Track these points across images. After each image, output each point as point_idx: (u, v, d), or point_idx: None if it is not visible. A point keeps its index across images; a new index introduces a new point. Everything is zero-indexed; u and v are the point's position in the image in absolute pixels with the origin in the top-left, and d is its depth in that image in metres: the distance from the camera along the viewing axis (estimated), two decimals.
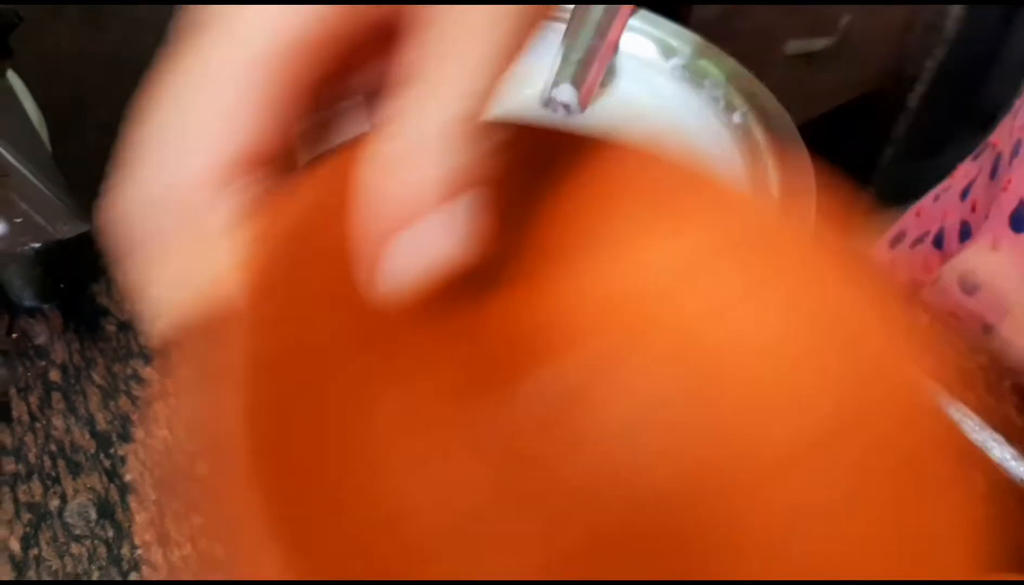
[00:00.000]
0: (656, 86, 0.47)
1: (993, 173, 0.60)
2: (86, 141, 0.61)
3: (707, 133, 0.45)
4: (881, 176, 1.56)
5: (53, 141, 0.53)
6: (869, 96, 1.48)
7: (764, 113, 0.43)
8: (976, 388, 0.50)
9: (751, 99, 0.44)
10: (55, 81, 0.64)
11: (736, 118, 0.44)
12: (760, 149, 0.42)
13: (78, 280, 0.52)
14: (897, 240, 0.71)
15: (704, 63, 0.45)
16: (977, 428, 0.49)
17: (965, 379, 0.51)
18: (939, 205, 0.69)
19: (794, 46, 1.27)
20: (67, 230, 0.47)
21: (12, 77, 0.55)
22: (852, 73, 1.41)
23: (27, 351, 0.49)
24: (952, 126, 1.59)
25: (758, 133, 0.43)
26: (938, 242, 0.66)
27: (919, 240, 0.69)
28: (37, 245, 0.47)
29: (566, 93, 0.39)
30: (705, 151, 0.45)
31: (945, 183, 0.71)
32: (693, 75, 0.46)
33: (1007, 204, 0.56)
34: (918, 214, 0.72)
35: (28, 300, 0.50)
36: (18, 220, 0.46)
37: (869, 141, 1.54)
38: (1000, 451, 0.48)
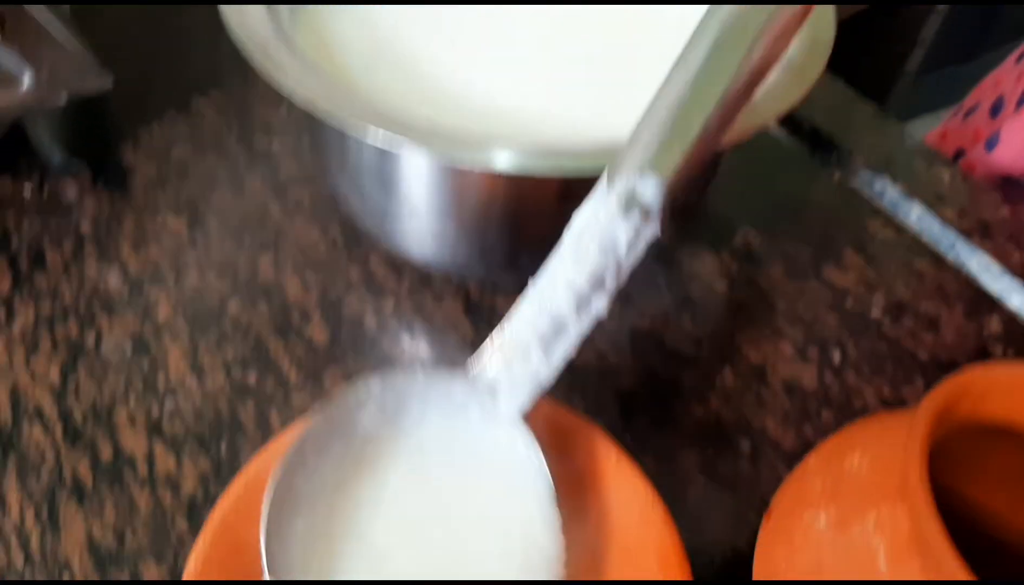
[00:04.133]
0: None
1: None
2: (103, 9, 0.61)
3: None
4: (910, 82, 1.53)
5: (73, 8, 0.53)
6: None
7: None
8: (998, 238, 0.50)
9: None
10: None
11: None
12: None
13: (105, 140, 0.53)
14: (970, 111, 0.70)
15: None
16: (997, 276, 0.49)
17: (987, 229, 0.51)
18: (1020, 66, 0.67)
19: None
20: (93, 85, 0.48)
21: None
22: None
23: (58, 207, 0.50)
24: (983, 29, 1.55)
25: None
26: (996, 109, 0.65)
27: (973, 109, 0.67)
28: (64, 99, 0.48)
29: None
30: None
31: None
32: None
33: None
34: (997, 83, 0.70)
35: (57, 158, 0.51)
36: (45, 74, 0.47)
37: (898, 45, 1.50)
38: (1019, 298, 0.48)
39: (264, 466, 0.34)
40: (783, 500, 0.32)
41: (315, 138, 0.44)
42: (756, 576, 0.31)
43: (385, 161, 0.38)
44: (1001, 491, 0.34)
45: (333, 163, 0.43)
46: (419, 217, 0.39)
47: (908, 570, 0.26)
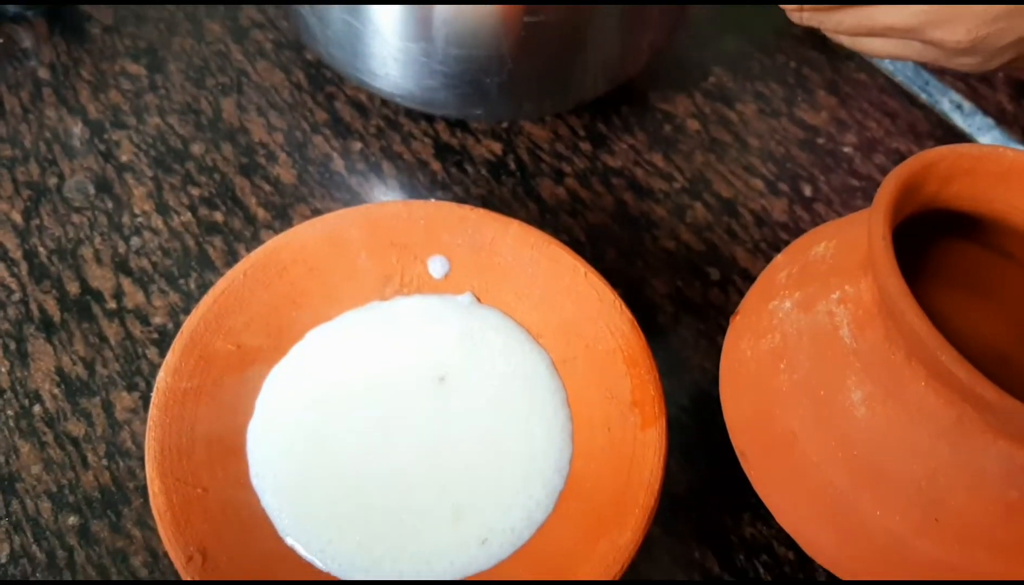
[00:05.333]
0: None
1: None
2: None
3: None
4: None
5: None
6: None
7: None
8: (970, 78, 0.50)
9: None
10: None
11: None
12: None
13: None
14: None
15: None
16: (969, 114, 0.49)
17: (959, 72, 0.51)
18: None
19: None
20: None
21: None
22: None
23: (15, 54, 0.48)
24: None
25: None
26: None
27: None
28: None
29: None
30: None
31: None
32: None
33: None
34: None
35: (12, 7, 0.49)
36: None
37: None
38: (990, 136, 0.48)
39: (232, 284, 0.34)
40: (750, 298, 0.32)
41: None
42: (722, 371, 0.32)
43: None
44: (958, 296, 0.35)
45: None
46: (384, 36, 0.38)
47: (872, 336, 0.26)
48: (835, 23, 0.35)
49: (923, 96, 0.50)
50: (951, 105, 0.49)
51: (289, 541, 0.31)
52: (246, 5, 0.50)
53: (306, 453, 0.32)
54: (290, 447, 0.32)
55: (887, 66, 0.51)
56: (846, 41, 0.36)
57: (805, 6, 0.33)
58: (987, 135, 0.48)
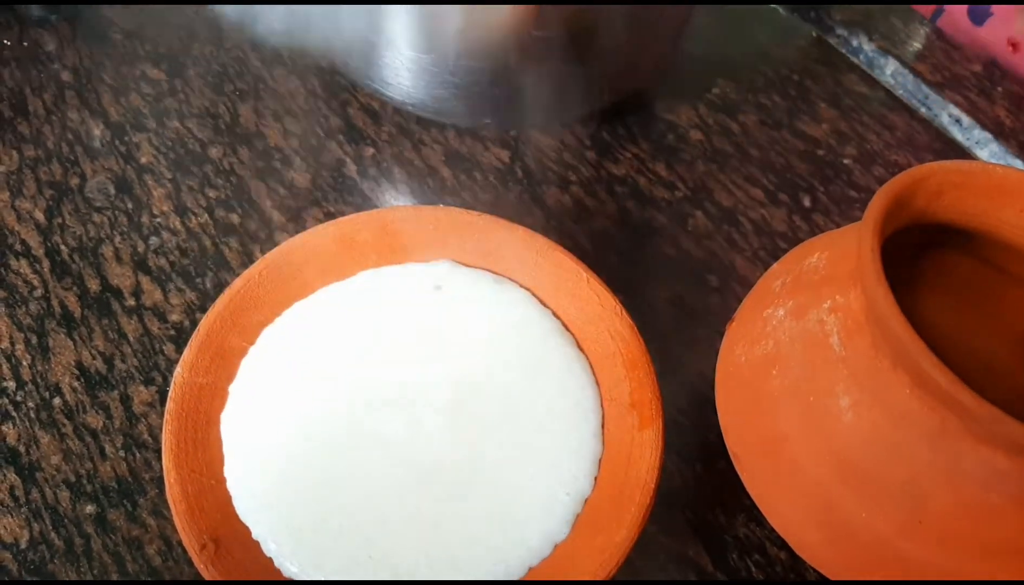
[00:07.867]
0: None
1: None
2: None
3: None
4: None
5: None
6: None
7: None
8: (969, 93, 0.51)
9: None
10: None
11: None
12: None
13: None
14: None
15: None
16: (967, 129, 0.50)
17: (960, 84, 0.52)
18: None
19: None
20: None
21: None
22: None
23: (39, 57, 0.50)
24: None
25: None
26: None
27: None
28: None
29: None
30: None
31: None
32: None
33: None
34: None
35: (36, 11, 0.51)
36: None
37: None
38: (988, 150, 0.49)
39: (248, 284, 0.35)
40: (746, 306, 0.33)
41: None
42: (718, 375, 0.33)
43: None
44: (952, 307, 0.36)
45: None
46: (397, 48, 0.40)
47: (860, 344, 0.27)
48: None
49: (922, 110, 0.51)
50: (950, 119, 0.50)
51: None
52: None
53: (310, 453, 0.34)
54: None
55: (888, 80, 0.52)
56: None
57: None
58: (985, 149, 0.49)
